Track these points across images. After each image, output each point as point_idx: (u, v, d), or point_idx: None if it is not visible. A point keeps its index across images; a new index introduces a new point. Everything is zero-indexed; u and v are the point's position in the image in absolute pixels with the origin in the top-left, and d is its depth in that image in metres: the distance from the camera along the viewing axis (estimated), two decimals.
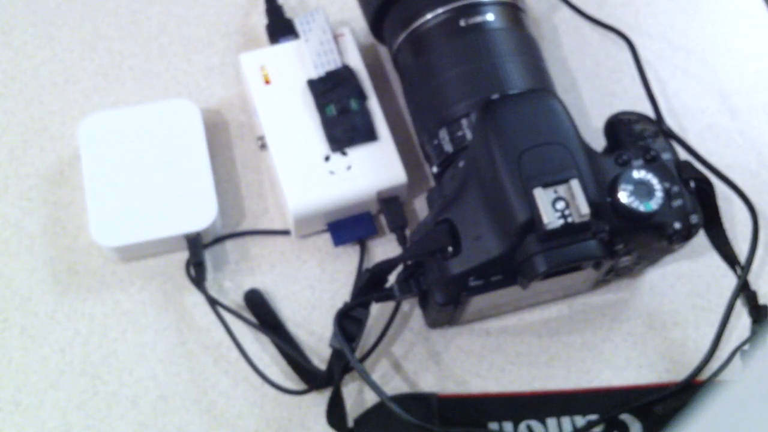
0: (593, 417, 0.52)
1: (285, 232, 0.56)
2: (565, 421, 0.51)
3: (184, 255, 0.55)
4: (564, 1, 0.63)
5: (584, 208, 0.43)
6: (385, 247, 0.56)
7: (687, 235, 0.48)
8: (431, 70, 0.52)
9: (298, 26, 0.57)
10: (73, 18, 0.62)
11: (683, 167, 0.48)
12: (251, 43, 0.61)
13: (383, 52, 0.61)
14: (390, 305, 0.53)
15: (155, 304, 0.54)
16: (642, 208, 0.45)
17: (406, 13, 0.53)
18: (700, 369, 0.51)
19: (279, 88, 0.56)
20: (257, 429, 0.52)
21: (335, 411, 0.51)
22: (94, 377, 0.52)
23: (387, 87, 0.60)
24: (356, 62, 0.57)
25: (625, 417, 0.52)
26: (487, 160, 0.45)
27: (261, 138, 0.56)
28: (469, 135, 0.49)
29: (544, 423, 0.51)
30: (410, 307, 0.55)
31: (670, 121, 0.60)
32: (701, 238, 0.51)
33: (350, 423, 0.51)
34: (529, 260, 0.44)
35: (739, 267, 0.51)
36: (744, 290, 0.50)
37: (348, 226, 0.55)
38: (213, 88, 0.60)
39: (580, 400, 0.52)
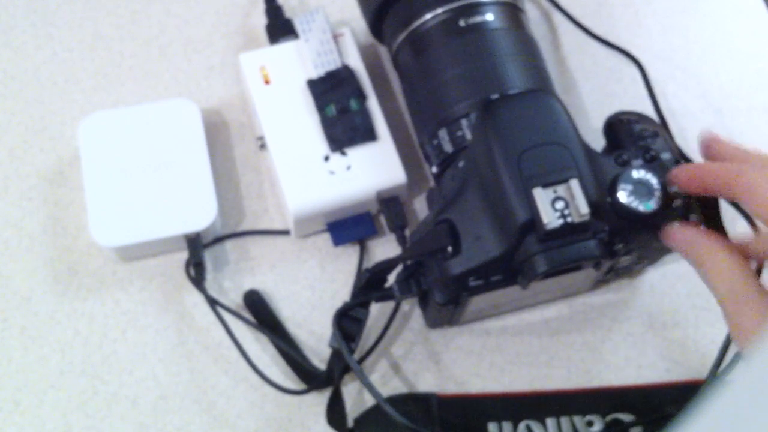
0: (593, 417, 0.52)
1: (285, 232, 0.56)
2: (565, 421, 0.51)
3: (184, 255, 0.55)
4: (563, 13, 0.63)
5: (584, 208, 0.43)
6: (385, 247, 0.56)
7: None
8: (431, 70, 0.52)
9: (298, 26, 0.57)
10: (73, 18, 0.62)
11: None
12: (251, 43, 0.61)
13: (383, 52, 0.61)
14: (390, 305, 0.53)
15: (155, 304, 0.54)
16: (642, 207, 0.45)
17: (406, 13, 0.53)
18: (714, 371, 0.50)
19: (279, 88, 0.56)
20: (257, 429, 0.52)
21: (335, 411, 0.51)
22: (94, 377, 0.52)
23: (387, 87, 0.60)
24: (356, 62, 0.57)
25: (625, 417, 0.52)
26: (487, 160, 0.45)
27: (261, 138, 0.56)
28: (468, 135, 0.49)
29: (543, 423, 0.51)
30: (410, 307, 0.55)
31: (671, 121, 0.59)
32: None
33: (350, 423, 0.51)
34: (529, 260, 0.44)
35: None
36: None
37: (348, 226, 0.55)
38: (213, 88, 0.60)
39: (580, 400, 0.52)
